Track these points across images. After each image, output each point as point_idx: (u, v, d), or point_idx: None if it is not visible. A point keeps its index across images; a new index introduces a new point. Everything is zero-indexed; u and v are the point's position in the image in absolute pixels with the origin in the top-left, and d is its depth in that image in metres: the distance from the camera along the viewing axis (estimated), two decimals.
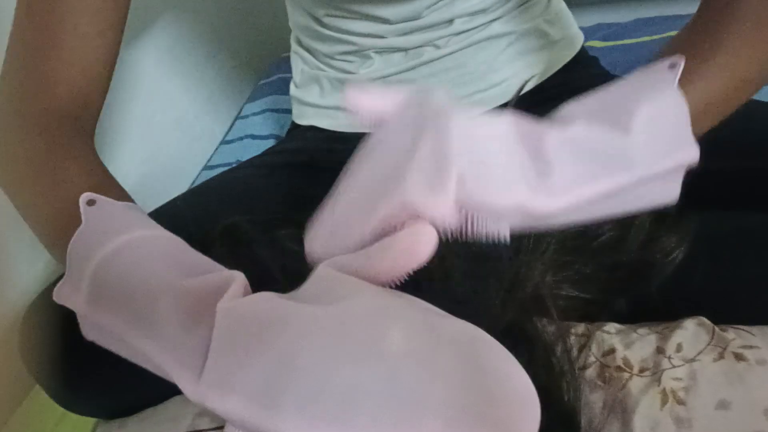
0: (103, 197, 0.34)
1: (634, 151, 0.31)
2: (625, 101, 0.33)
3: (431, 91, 0.32)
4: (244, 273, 0.34)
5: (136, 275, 0.30)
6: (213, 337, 0.26)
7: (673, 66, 0.34)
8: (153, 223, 0.35)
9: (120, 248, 0.32)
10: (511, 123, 0.32)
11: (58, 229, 0.34)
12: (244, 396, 0.24)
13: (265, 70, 1.09)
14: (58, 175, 0.36)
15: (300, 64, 0.67)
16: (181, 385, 0.27)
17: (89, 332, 0.33)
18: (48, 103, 0.40)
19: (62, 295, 0.32)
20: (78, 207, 0.34)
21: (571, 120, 0.33)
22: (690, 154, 0.32)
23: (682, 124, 0.33)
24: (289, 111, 0.71)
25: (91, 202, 0.33)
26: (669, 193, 0.33)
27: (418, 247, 0.27)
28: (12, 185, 0.39)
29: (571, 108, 0.35)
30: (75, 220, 0.33)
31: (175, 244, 0.33)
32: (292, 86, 0.69)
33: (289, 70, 0.70)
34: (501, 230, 0.30)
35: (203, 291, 0.28)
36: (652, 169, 0.32)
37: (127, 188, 0.59)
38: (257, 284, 0.34)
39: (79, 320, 0.33)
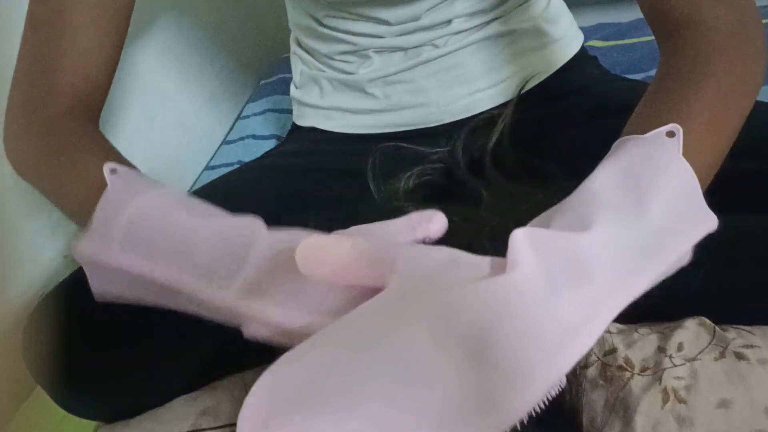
0: (123, 167, 0.39)
1: (663, 238, 0.31)
2: (637, 184, 0.32)
3: (417, 251, 0.30)
4: None
5: (172, 222, 0.35)
6: (250, 256, 0.33)
7: (671, 134, 0.34)
8: (170, 186, 0.39)
9: (150, 201, 0.36)
10: (532, 263, 0.28)
11: (86, 207, 0.38)
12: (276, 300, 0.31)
13: (266, 70, 1.09)
14: (79, 166, 0.40)
15: (299, 65, 0.67)
16: (216, 300, 0.33)
17: (104, 287, 0.37)
18: (56, 109, 0.44)
19: (88, 251, 0.35)
20: (100, 189, 0.38)
21: (590, 217, 0.30)
22: (709, 225, 0.32)
23: (696, 197, 0.32)
24: (290, 111, 0.72)
25: (113, 171, 0.38)
26: (683, 258, 0.33)
27: None
28: (38, 179, 0.44)
29: (584, 199, 0.32)
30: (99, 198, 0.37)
31: (193, 198, 0.38)
32: (292, 87, 0.69)
33: (290, 70, 0.70)
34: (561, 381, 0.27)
35: (238, 227, 0.35)
36: (680, 250, 0.31)
37: None
38: None
39: (92, 279, 0.37)
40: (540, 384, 0.25)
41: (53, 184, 0.42)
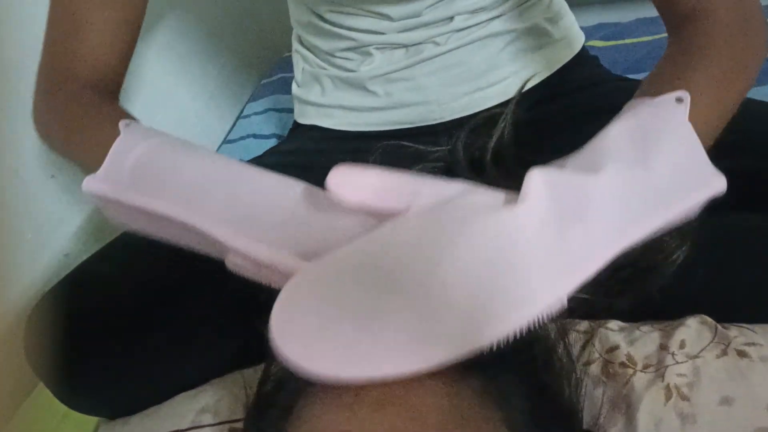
0: (136, 122, 0.43)
1: (665, 191, 0.33)
2: (645, 140, 0.34)
3: (432, 183, 0.33)
4: None
5: (180, 160, 0.38)
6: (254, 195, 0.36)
7: (679, 100, 0.36)
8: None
9: (158, 143, 0.39)
10: (544, 197, 0.31)
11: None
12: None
13: (267, 69, 1.09)
14: (97, 128, 0.44)
15: (301, 63, 0.67)
16: (211, 233, 0.34)
17: (119, 219, 0.40)
18: (71, 88, 0.48)
19: (96, 188, 0.38)
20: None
21: (600, 162, 0.33)
22: (717, 185, 0.34)
23: (700, 157, 0.34)
24: (291, 110, 0.71)
25: (127, 125, 0.41)
26: (692, 211, 0.34)
27: None
28: (62, 145, 0.48)
29: (596, 148, 0.35)
30: None
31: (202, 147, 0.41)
32: (293, 85, 0.69)
33: (291, 69, 0.70)
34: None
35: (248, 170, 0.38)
36: (685, 205, 0.33)
37: None
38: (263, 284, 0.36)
39: (107, 212, 0.40)
40: (538, 305, 0.29)
41: (75, 148, 0.46)
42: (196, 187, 0.37)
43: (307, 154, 0.63)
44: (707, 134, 0.37)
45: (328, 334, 0.28)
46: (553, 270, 0.29)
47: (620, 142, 0.35)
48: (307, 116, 0.67)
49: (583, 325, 0.44)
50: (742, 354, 0.40)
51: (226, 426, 0.44)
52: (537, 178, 0.31)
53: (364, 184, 0.32)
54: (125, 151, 0.39)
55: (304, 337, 0.29)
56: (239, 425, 0.44)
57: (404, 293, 0.29)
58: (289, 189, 0.37)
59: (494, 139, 0.50)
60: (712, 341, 0.41)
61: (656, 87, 0.38)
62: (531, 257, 0.29)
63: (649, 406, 0.39)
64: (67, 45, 0.49)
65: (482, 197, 0.32)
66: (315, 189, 0.37)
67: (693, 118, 0.36)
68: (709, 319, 0.43)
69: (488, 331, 0.28)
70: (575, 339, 0.43)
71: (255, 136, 0.90)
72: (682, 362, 0.40)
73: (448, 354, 0.28)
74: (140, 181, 0.38)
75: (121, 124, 0.41)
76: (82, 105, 0.47)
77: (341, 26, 0.59)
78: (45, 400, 0.53)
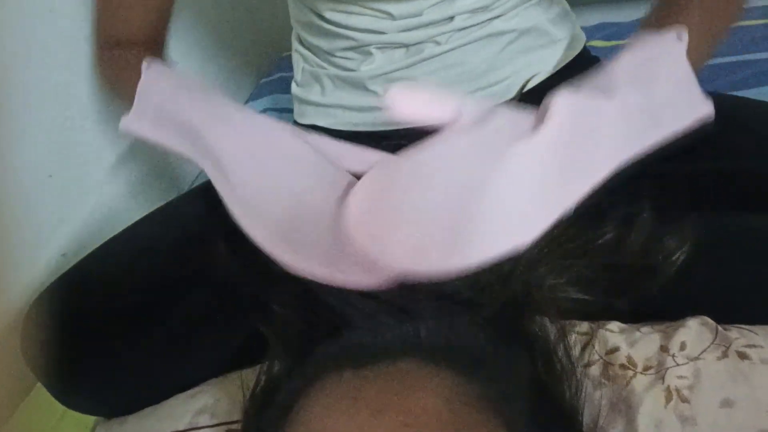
0: (157, 62, 0.47)
1: (663, 113, 0.38)
2: (648, 70, 0.40)
3: (484, 110, 0.37)
4: (248, 271, 0.37)
5: (195, 104, 0.43)
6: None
7: (678, 37, 0.41)
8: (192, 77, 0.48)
9: (174, 88, 0.44)
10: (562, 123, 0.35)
11: None
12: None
13: (266, 69, 1.09)
14: (135, 75, 0.47)
15: (301, 63, 0.67)
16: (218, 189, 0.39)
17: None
18: (120, 47, 0.58)
19: (126, 126, 0.44)
20: None
21: (612, 87, 0.39)
22: (705, 109, 0.38)
23: (693, 86, 0.40)
24: (290, 110, 0.71)
25: (147, 68, 0.46)
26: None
27: None
28: (117, 93, 0.56)
29: (608, 75, 0.40)
30: None
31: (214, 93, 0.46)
32: (293, 85, 0.69)
33: (290, 69, 0.70)
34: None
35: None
36: (678, 126, 0.38)
37: (128, 186, 0.61)
38: (262, 283, 0.35)
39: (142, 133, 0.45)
40: (552, 215, 0.34)
41: (125, 93, 0.50)
42: (204, 133, 0.41)
43: None
44: (699, 63, 0.42)
45: (389, 229, 0.33)
46: (565, 183, 0.34)
47: (628, 70, 0.40)
48: (306, 116, 0.67)
49: (583, 326, 0.44)
50: (742, 356, 0.40)
51: (224, 427, 0.44)
52: (560, 102, 0.36)
53: (417, 100, 0.37)
54: (147, 92, 0.45)
55: (367, 229, 0.34)
56: (237, 426, 0.44)
57: (445, 201, 0.33)
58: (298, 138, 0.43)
59: None
60: (712, 343, 0.41)
61: (658, 23, 0.44)
62: (548, 173, 0.34)
63: (650, 408, 0.38)
64: (113, 17, 0.58)
65: (513, 116, 0.37)
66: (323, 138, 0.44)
67: (688, 51, 0.41)
68: (710, 321, 0.43)
69: (509, 238, 0.33)
70: (575, 341, 0.43)
71: None
72: (682, 364, 0.40)
73: (481, 255, 0.32)
74: (161, 121, 0.44)
75: (143, 65, 0.45)
76: (127, 58, 0.54)
77: (341, 26, 0.59)
78: (43, 399, 0.53)
